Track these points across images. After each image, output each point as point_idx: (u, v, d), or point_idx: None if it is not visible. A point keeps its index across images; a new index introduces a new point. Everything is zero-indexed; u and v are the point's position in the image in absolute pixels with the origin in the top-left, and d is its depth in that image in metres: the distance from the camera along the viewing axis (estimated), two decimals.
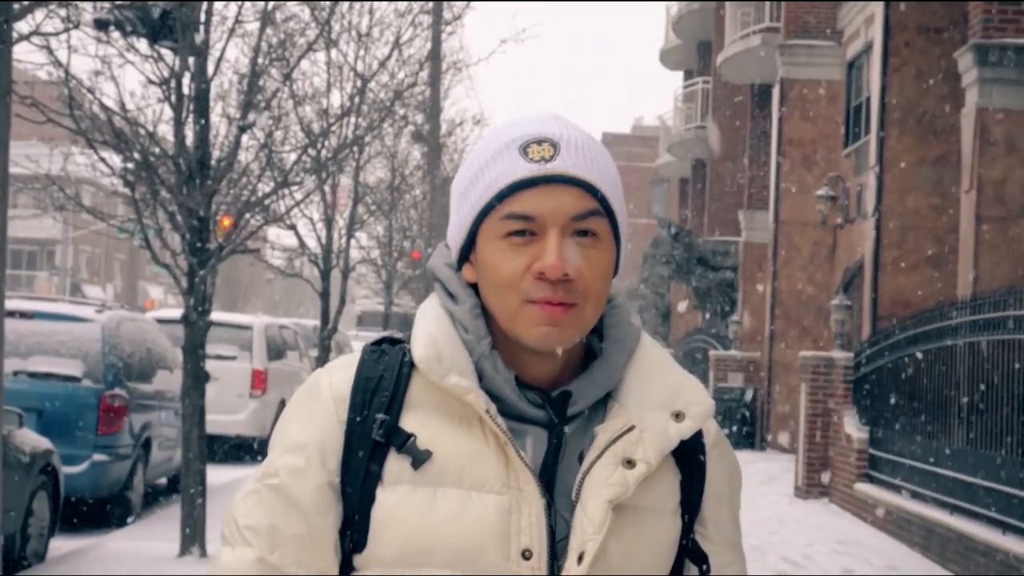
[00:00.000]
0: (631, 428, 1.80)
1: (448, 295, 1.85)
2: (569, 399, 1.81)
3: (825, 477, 16.51)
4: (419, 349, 1.79)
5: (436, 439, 1.77)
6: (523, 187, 1.75)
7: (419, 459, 1.76)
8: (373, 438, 1.78)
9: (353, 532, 1.79)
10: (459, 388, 1.75)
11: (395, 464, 1.77)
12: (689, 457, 1.87)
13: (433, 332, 1.81)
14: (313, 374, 1.90)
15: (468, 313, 1.82)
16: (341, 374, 1.85)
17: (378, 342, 1.89)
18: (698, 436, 1.87)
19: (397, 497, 1.76)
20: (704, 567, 1.89)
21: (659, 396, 1.83)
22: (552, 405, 1.81)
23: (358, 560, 1.79)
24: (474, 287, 1.84)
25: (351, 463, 1.79)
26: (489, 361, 1.79)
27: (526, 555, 1.74)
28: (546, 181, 1.75)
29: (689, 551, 1.88)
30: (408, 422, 1.79)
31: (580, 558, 1.74)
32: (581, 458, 1.81)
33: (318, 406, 1.83)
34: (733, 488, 1.96)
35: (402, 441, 1.77)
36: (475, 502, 1.75)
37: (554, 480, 1.79)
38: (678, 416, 1.82)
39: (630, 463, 1.77)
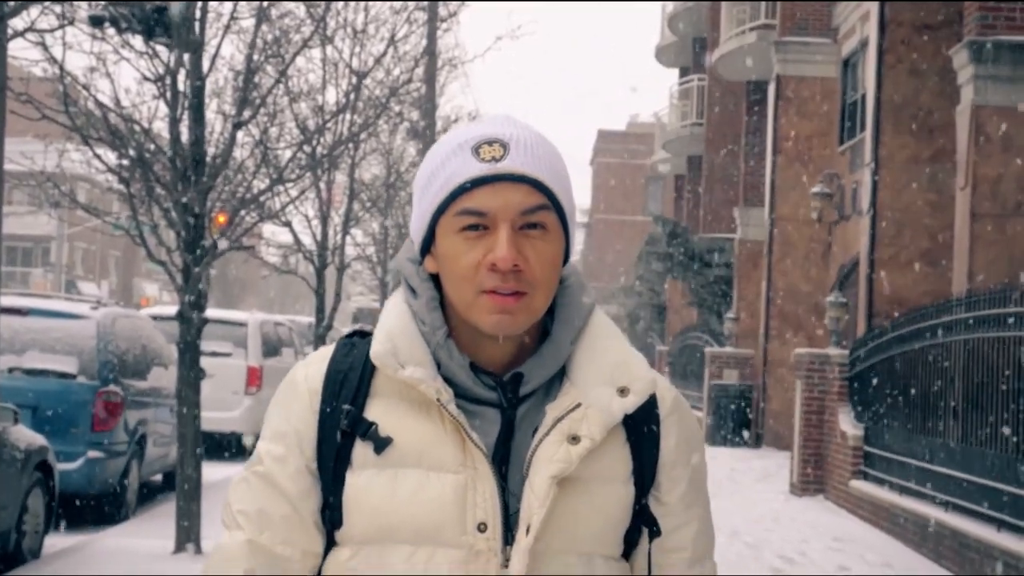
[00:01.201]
0: (578, 406, 1.93)
1: (410, 289, 2.01)
2: (521, 380, 1.95)
3: (820, 474, 16.52)
4: (375, 346, 1.95)
5: (397, 425, 1.94)
6: (476, 185, 1.89)
7: (380, 445, 1.92)
8: (340, 427, 1.95)
9: (330, 512, 1.96)
10: (413, 379, 1.91)
11: (361, 450, 1.94)
12: (640, 427, 2.00)
13: (392, 327, 1.97)
14: (293, 367, 2.08)
15: (425, 306, 1.97)
16: (315, 367, 2.02)
17: (350, 335, 2.07)
18: (651, 407, 2.01)
19: (363, 480, 1.93)
20: (654, 529, 2.01)
21: (605, 372, 1.97)
22: (505, 387, 1.95)
23: (338, 536, 1.97)
24: (437, 277, 1.99)
25: (324, 450, 1.96)
26: (444, 350, 1.95)
27: (481, 528, 1.89)
28: (496, 179, 1.89)
29: (641, 515, 2.00)
30: (372, 410, 1.95)
31: (529, 529, 1.89)
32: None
33: (295, 398, 2.01)
34: (691, 452, 2.06)
35: (365, 429, 1.94)
36: (433, 482, 1.91)
37: (509, 457, 1.93)
38: (623, 391, 1.95)
39: (575, 439, 1.91)
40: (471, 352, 1.96)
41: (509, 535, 1.90)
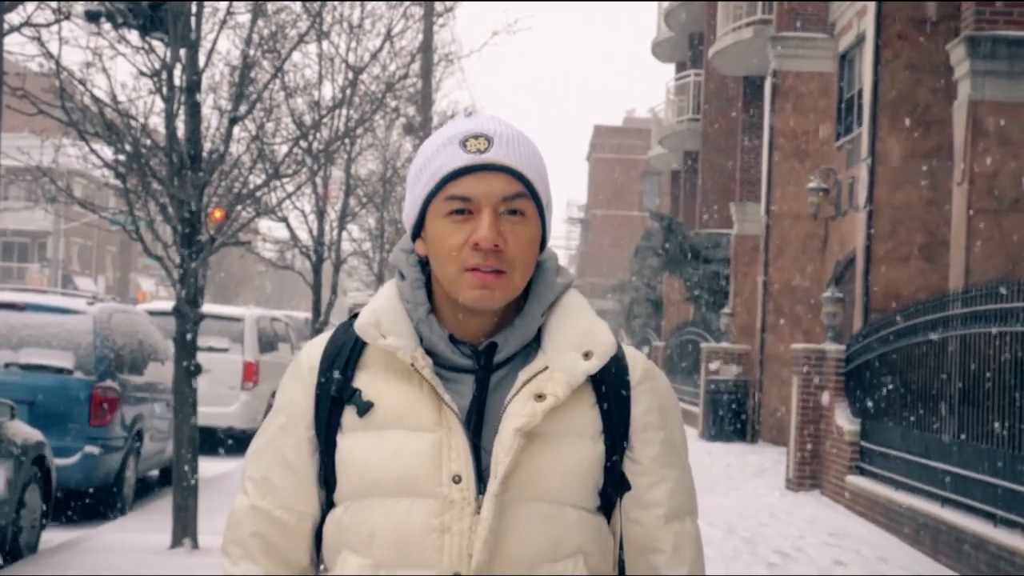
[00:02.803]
0: (545, 368, 2.15)
1: (400, 275, 2.24)
2: (495, 349, 2.17)
3: (816, 469, 16.54)
4: (360, 319, 2.19)
5: (381, 391, 2.16)
6: (462, 173, 2.11)
7: (362, 409, 2.15)
8: (331, 395, 2.19)
9: (326, 474, 2.21)
10: (390, 347, 2.14)
11: (349, 415, 2.18)
12: (611, 392, 2.20)
13: (378, 305, 2.21)
14: (303, 346, 2.32)
15: (410, 287, 2.20)
16: (317, 347, 2.27)
17: (352, 317, 2.26)
18: (623, 375, 2.22)
19: (350, 442, 2.16)
20: (624, 484, 2.21)
21: (573, 339, 2.18)
22: (480, 356, 2.17)
23: (335, 496, 2.20)
24: (426, 264, 2.21)
25: (320, 417, 2.20)
26: (426, 324, 2.18)
27: (456, 480, 2.10)
28: (481, 169, 2.11)
29: (611, 471, 2.20)
30: (360, 379, 2.19)
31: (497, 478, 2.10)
32: None
33: (299, 374, 2.25)
34: (665, 417, 2.25)
35: (350, 395, 2.17)
36: (413, 440, 2.12)
37: (484, 417, 2.14)
38: (587, 355, 2.16)
39: (540, 397, 2.12)
40: (454, 326, 2.18)
41: (483, 486, 2.10)
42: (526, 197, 2.13)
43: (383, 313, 2.19)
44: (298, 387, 2.24)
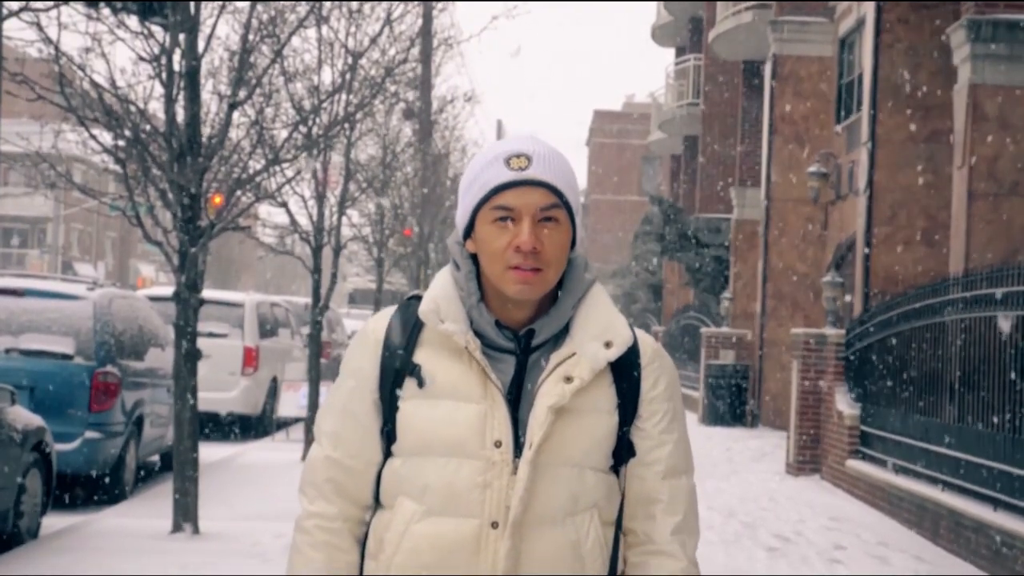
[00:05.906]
0: (573, 354, 2.61)
1: (455, 264, 2.69)
2: (533, 334, 2.63)
3: (816, 454, 16.55)
4: (423, 306, 2.64)
5: (437, 367, 2.62)
6: (506, 187, 2.58)
7: (422, 381, 2.62)
8: (395, 367, 2.64)
9: (388, 430, 2.66)
10: (448, 331, 2.60)
11: (410, 385, 2.63)
12: (625, 372, 2.67)
13: (437, 293, 2.66)
14: (366, 321, 2.77)
15: (464, 277, 2.66)
16: (381, 322, 2.72)
17: (410, 298, 2.73)
18: (635, 357, 2.68)
19: (411, 407, 2.62)
20: (630, 448, 2.68)
21: (596, 330, 2.64)
22: (520, 339, 2.63)
23: (393, 448, 2.66)
24: (475, 256, 2.65)
25: (384, 383, 2.66)
26: (476, 310, 2.63)
27: (497, 444, 2.57)
28: (522, 183, 2.58)
29: (622, 438, 2.66)
30: (419, 355, 2.64)
31: (531, 446, 2.55)
32: None
33: (365, 344, 2.71)
34: (669, 391, 2.73)
35: (412, 369, 2.63)
36: (462, 409, 2.59)
37: (523, 392, 2.61)
38: (608, 344, 2.63)
39: (569, 379, 2.59)
40: (498, 313, 2.63)
41: (519, 451, 2.56)
42: (559, 207, 2.59)
43: (442, 300, 2.63)
44: (365, 356, 2.69)
